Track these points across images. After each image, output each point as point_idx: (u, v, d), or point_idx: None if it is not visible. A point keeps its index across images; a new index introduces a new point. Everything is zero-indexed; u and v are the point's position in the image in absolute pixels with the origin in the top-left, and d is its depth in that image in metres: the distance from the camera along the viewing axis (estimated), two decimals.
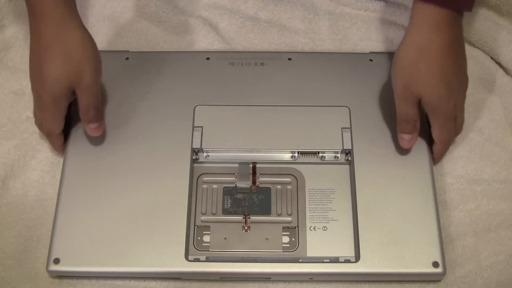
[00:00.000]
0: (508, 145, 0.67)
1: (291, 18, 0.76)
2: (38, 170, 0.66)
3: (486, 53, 0.72)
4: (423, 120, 0.63)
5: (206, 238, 0.60)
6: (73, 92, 0.59)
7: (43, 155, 0.67)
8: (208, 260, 0.59)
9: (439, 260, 0.57)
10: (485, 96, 0.70)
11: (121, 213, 0.60)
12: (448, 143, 0.63)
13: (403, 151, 0.63)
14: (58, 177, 0.63)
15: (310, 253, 0.59)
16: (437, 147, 0.63)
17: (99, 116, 0.62)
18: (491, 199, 0.64)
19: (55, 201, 0.61)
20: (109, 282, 0.60)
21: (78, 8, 0.75)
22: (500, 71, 0.71)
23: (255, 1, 0.76)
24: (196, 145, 0.64)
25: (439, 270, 0.57)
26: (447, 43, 0.57)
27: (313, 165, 0.64)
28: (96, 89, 0.60)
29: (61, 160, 0.63)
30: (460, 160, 0.66)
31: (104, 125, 0.63)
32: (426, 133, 0.64)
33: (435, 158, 0.64)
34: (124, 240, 0.58)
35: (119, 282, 0.60)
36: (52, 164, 0.66)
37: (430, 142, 0.63)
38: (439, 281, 0.59)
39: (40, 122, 0.62)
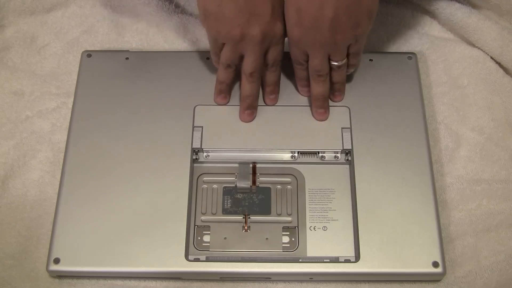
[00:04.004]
0: (508, 145, 0.67)
1: None
2: (38, 170, 0.66)
3: (486, 53, 0.71)
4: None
5: (206, 238, 0.60)
6: None
7: (43, 155, 0.67)
8: (208, 260, 0.59)
9: (439, 260, 0.57)
10: (485, 96, 0.69)
11: (121, 213, 0.60)
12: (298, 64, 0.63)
13: (403, 151, 0.63)
14: (58, 177, 0.63)
15: (310, 253, 0.59)
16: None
17: None
18: (491, 199, 0.64)
19: (55, 201, 0.61)
20: (109, 282, 0.60)
21: (77, 7, 0.76)
22: (500, 71, 0.71)
23: None
24: (196, 145, 0.64)
25: (439, 270, 0.57)
26: None
27: (313, 165, 0.64)
28: None
29: (61, 160, 0.63)
30: (460, 160, 0.66)
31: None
32: (424, 133, 0.64)
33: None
34: (124, 240, 0.58)
35: (119, 282, 0.60)
36: (52, 164, 0.66)
37: (428, 142, 0.64)
38: (439, 281, 0.59)
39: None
